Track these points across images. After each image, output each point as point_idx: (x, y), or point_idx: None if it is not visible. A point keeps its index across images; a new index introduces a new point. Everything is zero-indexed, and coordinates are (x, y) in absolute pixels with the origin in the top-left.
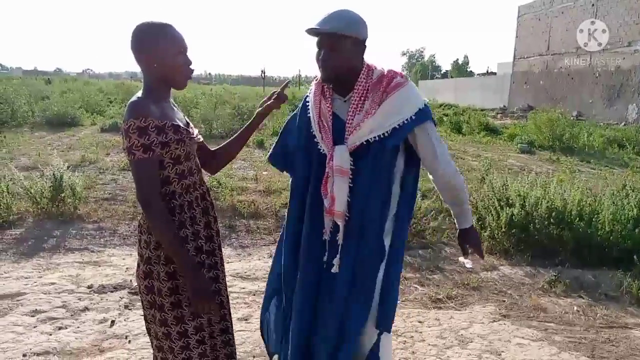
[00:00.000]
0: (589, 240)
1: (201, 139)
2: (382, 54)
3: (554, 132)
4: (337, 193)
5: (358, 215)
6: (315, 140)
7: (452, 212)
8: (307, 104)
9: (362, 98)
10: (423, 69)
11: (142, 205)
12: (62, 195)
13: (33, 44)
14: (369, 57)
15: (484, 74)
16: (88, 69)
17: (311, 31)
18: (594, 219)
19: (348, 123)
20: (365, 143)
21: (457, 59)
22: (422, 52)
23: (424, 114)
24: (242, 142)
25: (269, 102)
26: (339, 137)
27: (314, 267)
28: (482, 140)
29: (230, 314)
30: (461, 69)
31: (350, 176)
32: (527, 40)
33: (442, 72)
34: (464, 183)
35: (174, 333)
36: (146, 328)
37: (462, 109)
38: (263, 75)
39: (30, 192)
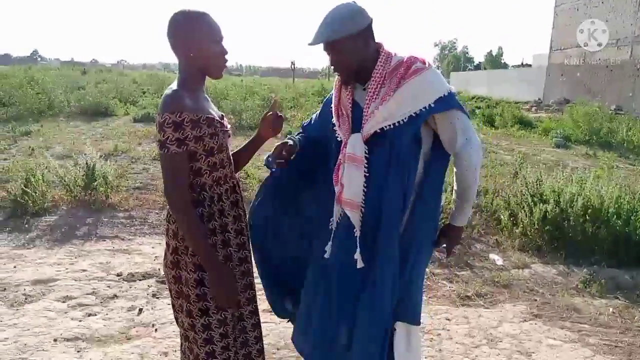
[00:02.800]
0: (626, 239)
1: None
2: (413, 45)
3: (591, 126)
4: (347, 181)
5: (373, 206)
6: (334, 128)
7: (453, 204)
8: (332, 94)
9: (379, 85)
10: (455, 60)
11: (168, 198)
12: (95, 183)
13: (70, 35)
14: (400, 49)
15: (518, 66)
16: (122, 60)
17: (311, 45)
18: (632, 217)
19: (365, 111)
20: (380, 131)
21: (491, 51)
22: (454, 43)
23: (446, 102)
24: (245, 159)
25: (262, 132)
26: (358, 125)
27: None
28: (516, 134)
29: (258, 309)
30: (495, 61)
31: (366, 165)
32: (564, 31)
33: (475, 64)
34: (477, 182)
35: (198, 325)
36: (174, 316)
37: (495, 101)
38: (293, 66)
39: (64, 181)
